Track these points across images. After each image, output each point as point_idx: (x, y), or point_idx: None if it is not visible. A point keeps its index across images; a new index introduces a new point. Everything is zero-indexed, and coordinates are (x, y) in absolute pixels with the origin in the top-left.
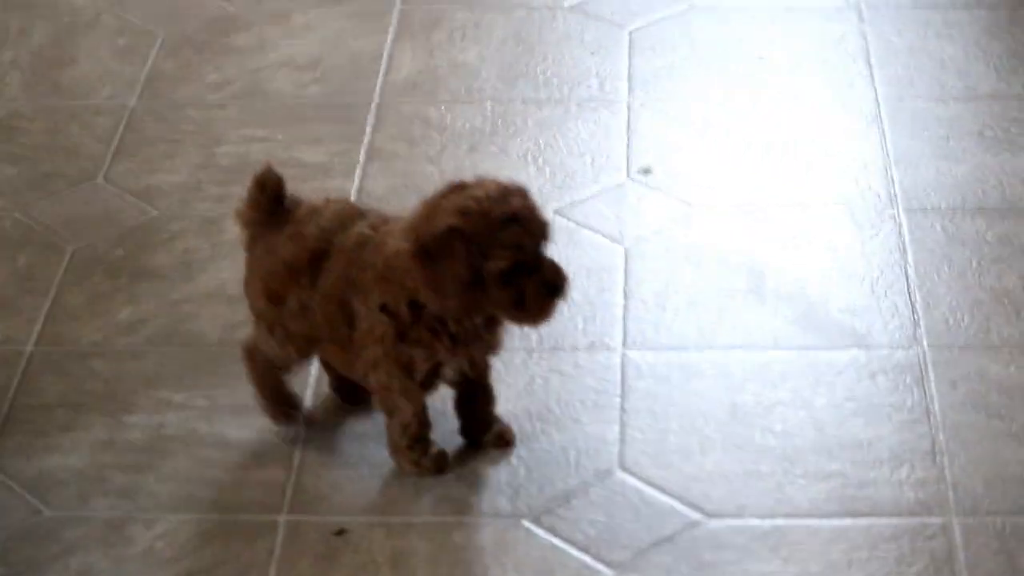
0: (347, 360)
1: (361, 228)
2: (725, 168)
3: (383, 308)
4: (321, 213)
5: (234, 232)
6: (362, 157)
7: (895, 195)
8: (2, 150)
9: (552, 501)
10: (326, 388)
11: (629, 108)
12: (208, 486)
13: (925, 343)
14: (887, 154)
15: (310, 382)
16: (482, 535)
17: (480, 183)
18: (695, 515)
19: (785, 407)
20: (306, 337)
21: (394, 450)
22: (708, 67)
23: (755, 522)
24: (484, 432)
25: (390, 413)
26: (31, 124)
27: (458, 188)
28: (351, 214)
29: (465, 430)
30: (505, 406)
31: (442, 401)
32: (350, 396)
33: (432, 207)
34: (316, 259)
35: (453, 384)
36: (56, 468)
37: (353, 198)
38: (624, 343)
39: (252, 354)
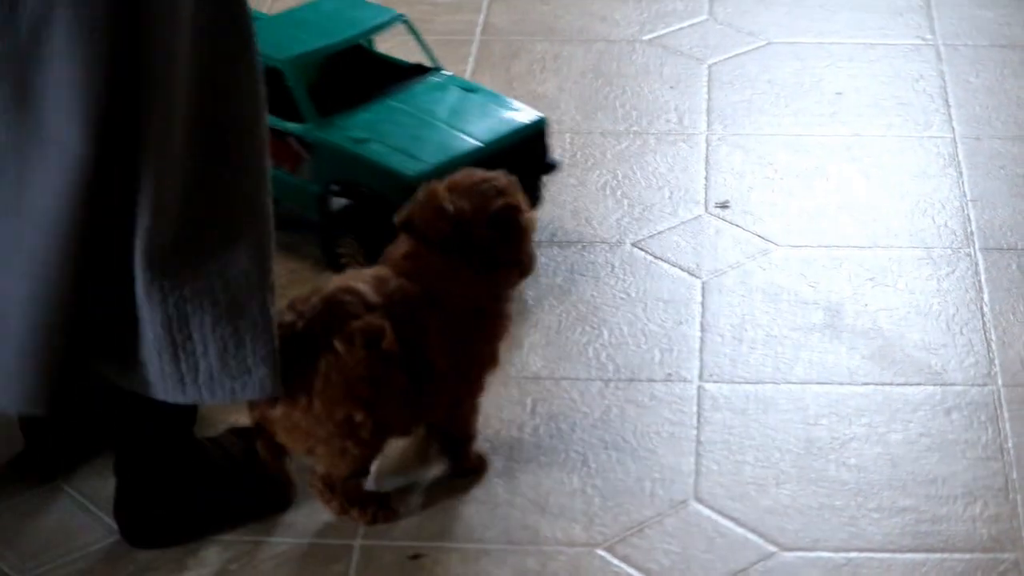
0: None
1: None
2: (802, 203)
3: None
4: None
5: None
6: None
7: (971, 233)
8: None
9: (627, 530)
10: None
11: (707, 142)
12: (283, 510)
13: (1000, 381)
14: (964, 193)
15: None
16: (556, 563)
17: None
18: (769, 547)
19: (860, 442)
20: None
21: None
22: (786, 103)
23: (828, 555)
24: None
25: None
26: None
27: None
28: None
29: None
30: (580, 435)
31: None
32: None
33: None
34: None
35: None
36: None
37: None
38: (700, 375)
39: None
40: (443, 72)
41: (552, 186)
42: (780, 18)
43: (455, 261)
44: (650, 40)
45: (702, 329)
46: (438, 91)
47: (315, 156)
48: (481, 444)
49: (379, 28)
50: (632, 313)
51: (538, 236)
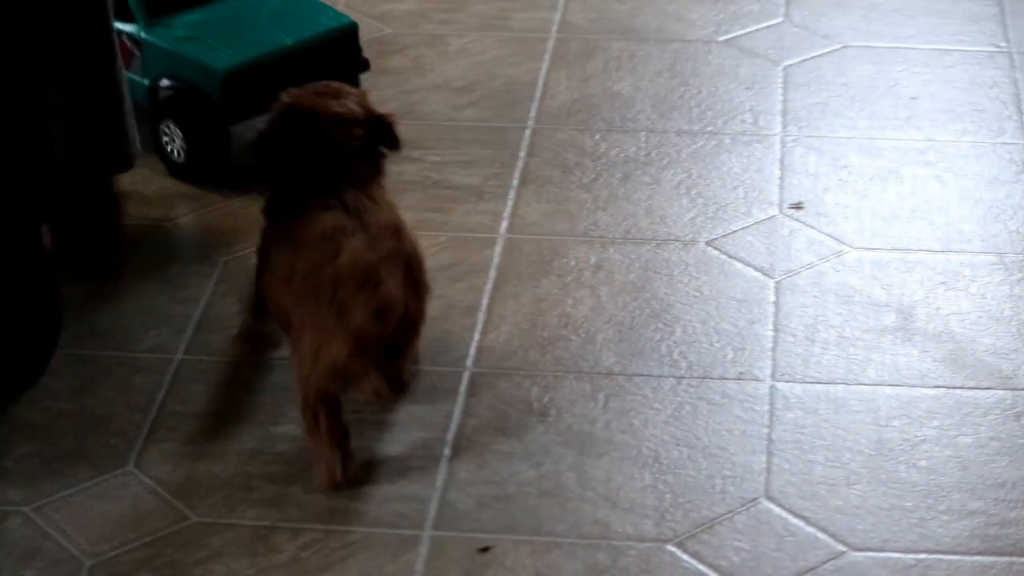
0: None
1: None
2: (875, 206)
3: None
4: None
5: None
6: (515, 181)
7: None
8: None
9: (697, 527)
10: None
11: (782, 143)
12: (354, 499)
13: None
14: None
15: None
16: (626, 558)
17: None
18: (839, 547)
19: (930, 444)
20: None
21: None
22: (861, 106)
23: (897, 556)
24: None
25: None
26: None
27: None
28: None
29: None
30: (652, 431)
31: None
32: None
33: None
34: None
35: None
36: (203, 476)
37: (505, 223)
38: (773, 375)
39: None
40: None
41: (627, 184)
42: (856, 22)
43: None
44: (726, 41)
45: (775, 329)
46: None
47: (144, 53)
48: (551, 436)
49: None
50: (705, 311)
51: (612, 233)
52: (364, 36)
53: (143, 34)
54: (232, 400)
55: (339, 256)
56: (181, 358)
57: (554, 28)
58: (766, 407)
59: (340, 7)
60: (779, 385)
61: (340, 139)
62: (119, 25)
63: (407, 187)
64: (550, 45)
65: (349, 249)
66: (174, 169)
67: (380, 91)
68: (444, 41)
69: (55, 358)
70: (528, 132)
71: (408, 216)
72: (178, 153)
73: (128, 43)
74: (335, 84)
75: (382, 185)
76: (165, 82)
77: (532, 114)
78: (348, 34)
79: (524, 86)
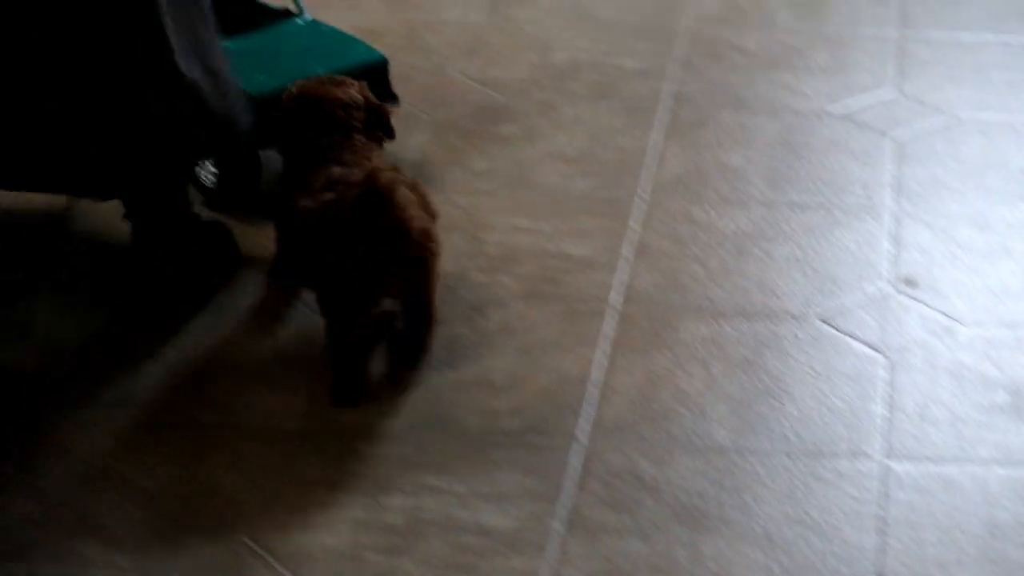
0: None
1: None
2: (987, 282)
3: None
4: None
5: (500, 320)
6: (628, 253)
7: None
8: None
9: None
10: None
11: (894, 217)
12: (464, 572)
13: None
14: None
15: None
16: None
17: None
18: None
19: None
20: None
21: None
22: (973, 180)
23: None
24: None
25: None
26: None
27: None
28: None
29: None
30: (764, 509)
31: None
32: None
33: None
34: None
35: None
36: (313, 546)
37: (618, 294)
38: (884, 453)
39: None
40: (307, 17)
41: (739, 257)
42: (967, 95)
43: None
44: (837, 113)
45: (886, 406)
46: (298, 31)
47: None
48: (663, 511)
49: None
50: (817, 387)
51: (725, 306)
52: (477, 103)
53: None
54: (343, 470)
55: (351, 187)
56: (293, 426)
57: (666, 98)
58: (878, 486)
59: (453, 73)
60: (891, 463)
61: (343, 119)
62: None
63: (520, 256)
64: (662, 115)
65: (363, 171)
66: (207, 196)
67: (492, 159)
68: (556, 109)
69: (170, 427)
70: (641, 203)
71: (521, 285)
72: (210, 179)
73: None
74: (338, 76)
75: (373, 156)
76: None
77: (645, 185)
78: (379, 68)
79: (636, 156)
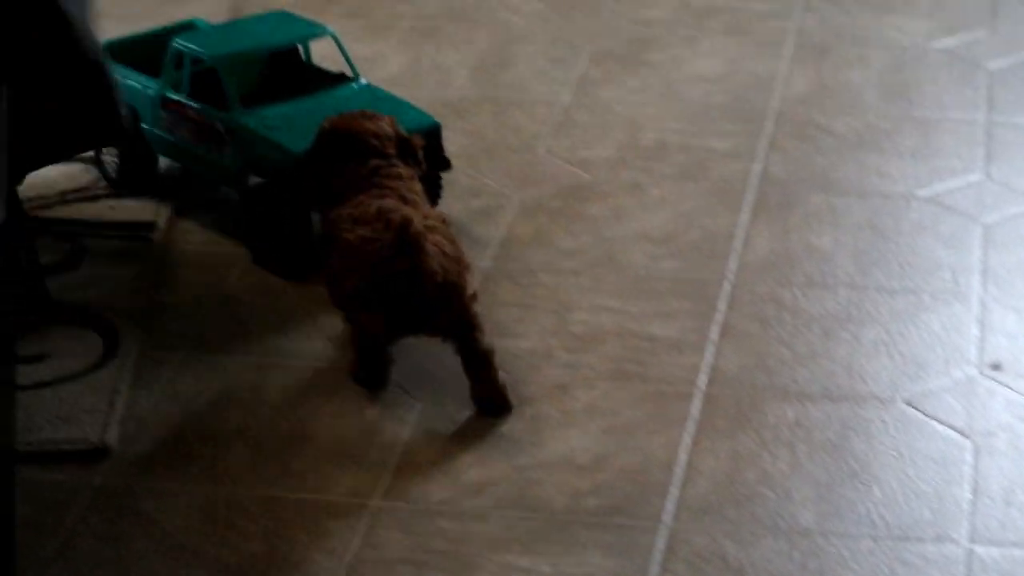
0: None
1: None
2: None
3: None
4: None
5: (586, 400)
6: (714, 334)
7: None
8: None
9: None
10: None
11: (981, 302)
12: None
13: None
14: None
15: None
16: None
17: None
18: None
19: None
20: None
21: None
22: None
23: None
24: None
25: None
26: None
27: None
28: None
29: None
30: None
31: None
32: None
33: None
34: None
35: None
36: None
37: (704, 376)
38: (969, 537)
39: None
40: (362, 81)
41: (826, 340)
42: None
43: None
44: (926, 197)
45: (971, 491)
46: (352, 94)
47: (235, 139)
48: None
49: (303, 39)
50: (903, 471)
51: (811, 389)
52: (564, 182)
53: (235, 122)
54: (429, 549)
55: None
56: (378, 503)
57: (754, 179)
58: (963, 571)
59: (541, 152)
60: (976, 548)
61: (376, 148)
62: (214, 113)
63: (606, 337)
64: (750, 196)
65: (401, 213)
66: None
67: (579, 238)
68: (643, 190)
69: (253, 501)
70: (727, 285)
71: (607, 365)
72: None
73: (220, 129)
74: (369, 110)
75: (417, 190)
76: (251, 169)
77: (732, 266)
78: (431, 133)
79: (723, 238)
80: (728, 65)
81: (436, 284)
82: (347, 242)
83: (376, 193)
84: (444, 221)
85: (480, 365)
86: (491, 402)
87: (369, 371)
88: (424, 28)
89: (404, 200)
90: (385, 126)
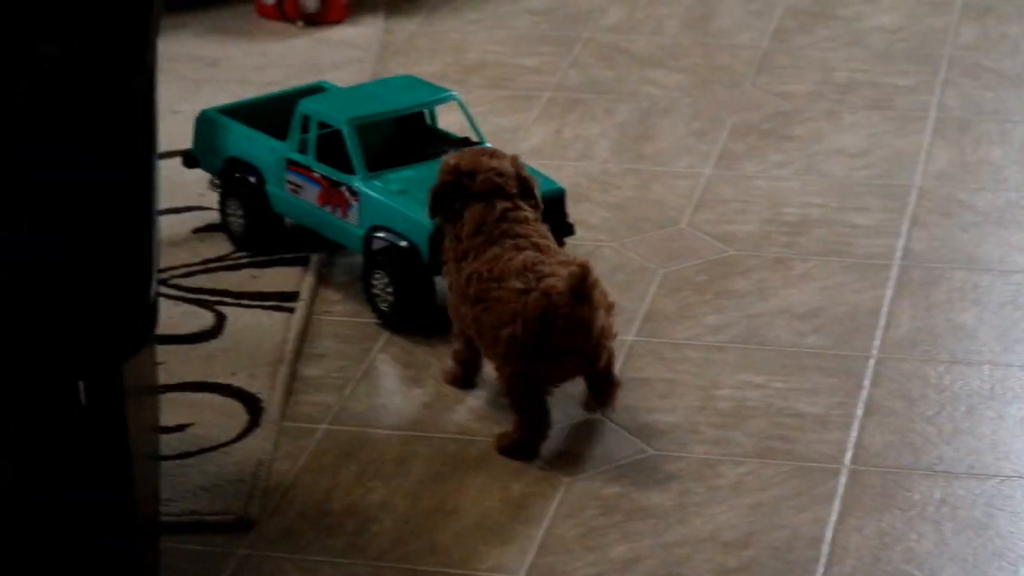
0: None
1: None
2: None
3: None
4: None
5: (732, 476)
6: (859, 411)
7: None
8: None
9: None
10: None
11: None
12: None
13: None
14: None
15: None
16: None
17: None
18: None
19: None
20: None
21: None
22: None
23: None
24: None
25: None
26: None
27: None
28: None
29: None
30: None
31: None
32: None
33: None
34: None
35: None
36: None
37: (850, 453)
38: None
39: None
40: (486, 145)
41: (970, 417)
42: None
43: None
44: None
45: None
46: None
47: (361, 203)
48: None
49: (429, 104)
50: None
51: (957, 467)
52: (708, 257)
53: (360, 186)
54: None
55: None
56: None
57: (897, 255)
58: None
59: (684, 226)
60: None
61: (499, 185)
62: (340, 176)
63: (752, 412)
64: (893, 273)
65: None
66: (383, 318)
67: (722, 312)
68: (787, 265)
69: (392, 574)
70: (872, 361)
71: (753, 442)
72: (386, 302)
73: (346, 193)
74: (490, 147)
75: (546, 234)
76: (377, 233)
77: (876, 343)
78: (555, 199)
79: (867, 314)
80: (870, 140)
81: (601, 329)
82: (499, 299)
83: (510, 245)
84: (584, 265)
85: (609, 392)
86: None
87: (534, 432)
88: (565, 100)
89: (538, 248)
90: (506, 164)
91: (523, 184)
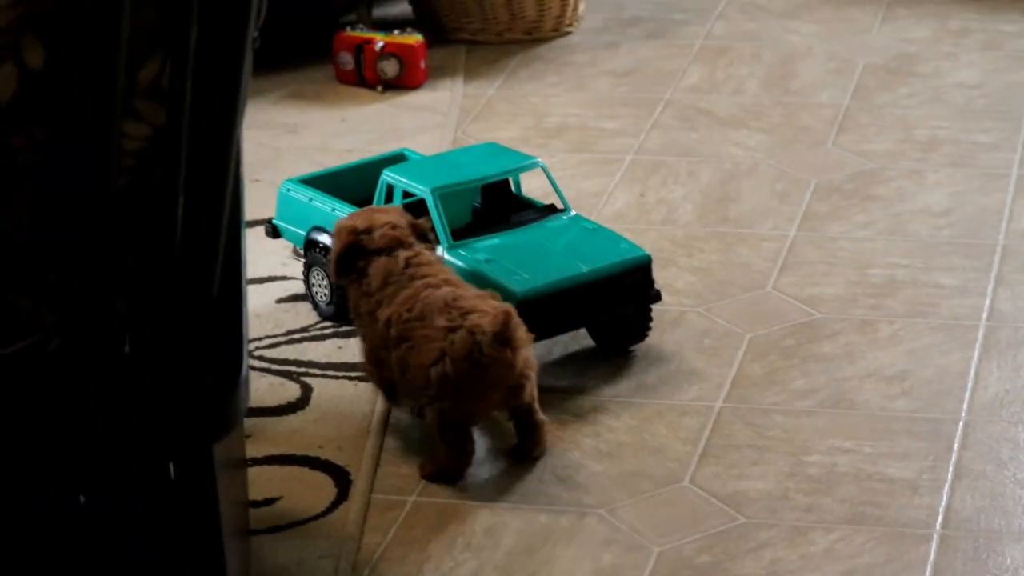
0: None
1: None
2: None
3: None
4: None
5: (824, 544)
6: (949, 475)
7: None
8: None
9: None
10: None
11: None
12: None
13: None
14: None
15: None
16: None
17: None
18: None
19: None
20: None
21: None
22: None
23: None
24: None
25: None
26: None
27: None
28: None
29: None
30: None
31: None
32: None
33: None
34: None
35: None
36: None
37: (941, 518)
38: None
39: None
40: (571, 213)
41: None
42: None
43: None
44: None
45: None
46: (562, 227)
47: None
48: None
49: (514, 171)
50: None
51: None
52: (795, 320)
53: (447, 255)
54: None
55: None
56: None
57: (983, 316)
58: None
59: (769, 289)
60: None
61: (396, 237)
62: None
63: (842, 478)
64: (980, 333)
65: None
66: None
67: (811, 378)
68: (874, 327)
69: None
70: (960, 424)
71: (843, 508)
72: None
73: None
74: (377, 207)
75: (448, 270)
76: None
77: (964, 405)
78: (642, 266)
79: (955, 375)
80: (953, 198)
81: (524, 361)
82: (425, 336)
83: (422, 284)
84: (507, 311)
85: (537, 433)
86: (528, 453)
87: (461, 460)
88: (648, 163)
89: (450, 283)
90: (397, 216)
91: (417, 230)
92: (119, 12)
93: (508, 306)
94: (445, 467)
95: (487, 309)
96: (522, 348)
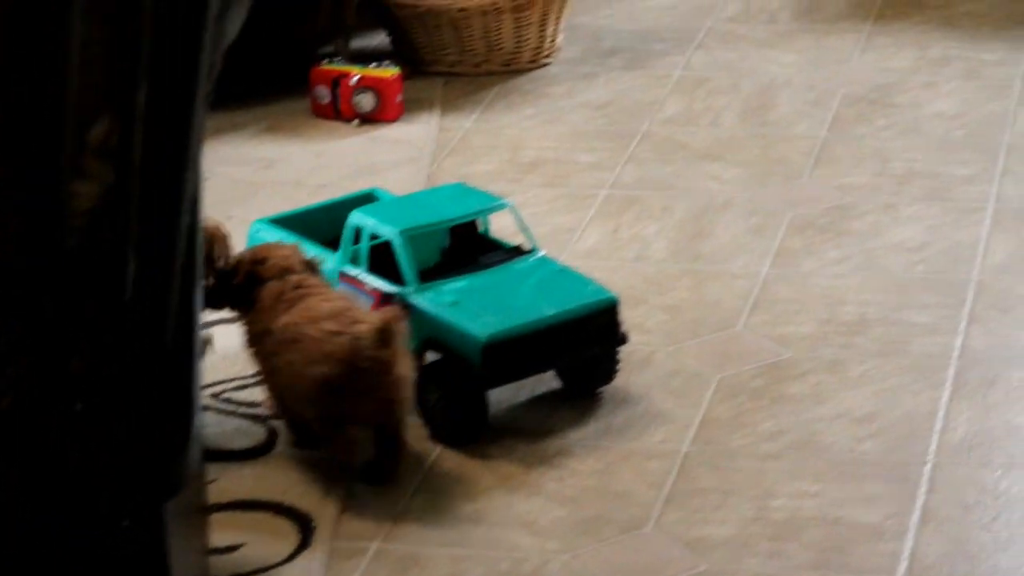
0: None
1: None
2: None
3: None
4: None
5: None
6: (915, 520)
7: None
8: None
9: None
10: None
11: None
12: None
13: None
14: None
15: None
16: None
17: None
18: None
19: None
20: None
21: None
22: None
23: None
24: None
25: None
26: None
27: None
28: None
29: None
30: None
31: None
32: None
33: None
34: None
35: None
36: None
37: (905, 563)
38: None
39: None
40: (539, 254)
41: None
42: None
43: None
44: None
45: None
46: (529, 269)
47: (412, 315)
48: None
49: (482, 212)
50: None
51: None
52: (764, 360)
53: (411, 298)
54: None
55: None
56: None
57: (955, 355)
58: None
59: (740, 325)
60: None
61: (288, 265)
62: (391, 287)
63: (807, 523)
64: (950, 373)
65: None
66: (435, 431)
67: (778, 418)
68: (844, 367)
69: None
70: (928, 467)
71: (808, 554)
72: (439, 416)
73: (398, 305)
74: (271, 243)
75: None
76: (429, 347)
77: (932, 447)
78: (608, 309)
79: (924, 416)
80: (929, 232)
81: (402, 376)
82: (313, 338)
83: (317, 298)
84: (394, 314)
85: (395, 449)
86: (384, 473)
87: (349, 450)
88: (622, 198)
89: (341, 299)
90: (290, 251)
91: (308, 265)
92: (64, 69)
93: (396, 310)
94: (339, 461)
95: (375, 320)
96: (402, 356)
